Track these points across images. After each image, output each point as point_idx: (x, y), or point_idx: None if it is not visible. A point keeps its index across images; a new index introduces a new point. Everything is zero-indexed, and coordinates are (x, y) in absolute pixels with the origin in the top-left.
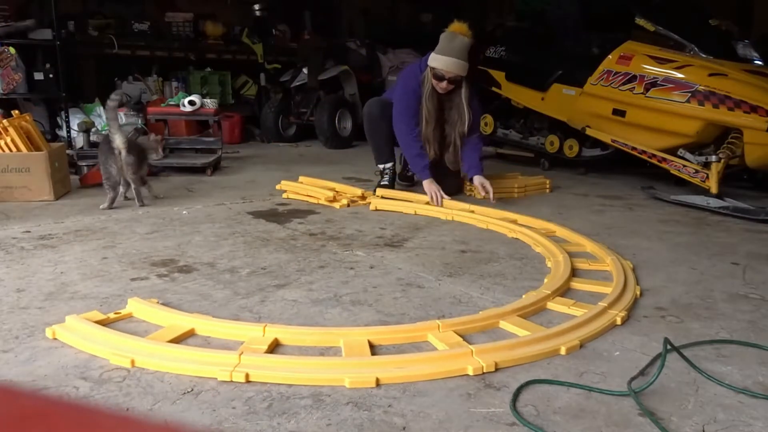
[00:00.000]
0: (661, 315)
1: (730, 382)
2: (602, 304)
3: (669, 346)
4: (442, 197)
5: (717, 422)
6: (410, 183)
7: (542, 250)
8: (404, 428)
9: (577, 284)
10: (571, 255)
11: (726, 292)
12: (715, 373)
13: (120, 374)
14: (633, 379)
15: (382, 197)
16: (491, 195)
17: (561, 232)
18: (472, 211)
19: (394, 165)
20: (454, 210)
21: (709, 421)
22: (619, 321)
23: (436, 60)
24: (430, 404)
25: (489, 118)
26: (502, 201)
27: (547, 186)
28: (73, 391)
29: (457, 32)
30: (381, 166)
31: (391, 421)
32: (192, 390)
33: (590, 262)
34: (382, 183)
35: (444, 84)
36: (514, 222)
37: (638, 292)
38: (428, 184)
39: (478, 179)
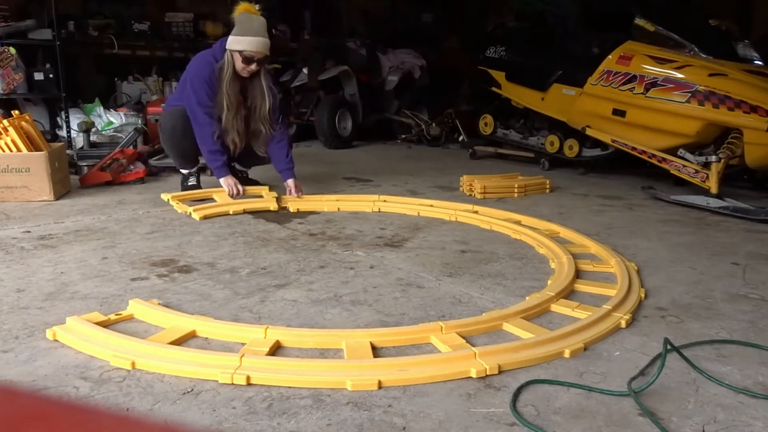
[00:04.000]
0: (661, 315)
1: (730, 382)
2: (606, 306)
3: (669, 346)
4: (239, 191)
5: (717, 422)
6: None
7: (546, 251)
8: (404, 428)
9: (582, 286)
10: (576, 256)
11: (726, 292)
12: (715, 373)
13: (120, 374)
14: (633, 379)
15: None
16: (301, 194)
17: (565, 233)
18: (476, 212)
19: (198, 166)
20: (457, 211)
21: (709, 421)
22: (623, 324)
23: (242, 42)
24: (430, 404)
25: (489, 118)
26: (502, 201)
27: (547, 186)
28: (73, 391)
29: (251, 12)
30: (185, 171)
31: (391, 421)
32: (192, 390)
33: (594, 263)
34: (190, 184)
35: (253, 66)
36: (518, 223)
37: (643, 295)
38: (225, 180)
39: (291, 182)
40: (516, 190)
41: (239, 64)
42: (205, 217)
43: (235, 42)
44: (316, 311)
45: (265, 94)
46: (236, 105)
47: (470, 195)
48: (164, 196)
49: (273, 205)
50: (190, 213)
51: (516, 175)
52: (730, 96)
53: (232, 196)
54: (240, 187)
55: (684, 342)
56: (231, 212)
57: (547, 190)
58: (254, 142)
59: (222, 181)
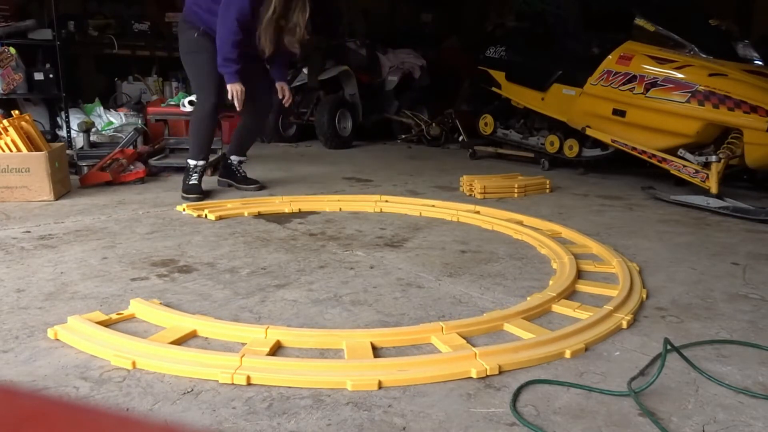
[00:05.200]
0: (661, 315)
1: (730, 382)
2: (608, 307)
3: (669, 346)
4: (242, 100)
5: (717, 422)
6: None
7: (548, 251)
8: (404, 428)
9: (583, 287)
10: (577, 257)
11: (726, 292)
12: (715, 373)
13: (120, 374)
14: (633, 379)
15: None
16: (287, 97)
17: (567, 233)
18: (478, 212)
19: (205, 164)
20: (459, 211)
21: (709, 421)
22: (624, 325)
23: None
24: (430, 404)
25: (489, 118)
26: (502, 201)
27: (547, 186)
28: (73, 391)
29: None
30: (193, 163)
31: (391, 422)
32: (192, 390)
33: (596, 264)
34: (191, 182)
35: None
36: (520, 223)
37: (644, 295)
38: (233, 86)
39: (281, 84)
40: (516, 190)
41: None
42: (221, 218)
43: None
44: (316, 311)
45: (306, 4)
46: (281, 9)
47: (470, 195)
48: (179, 208)
49: (288, 208)
50: (206, 215)
51: (516, 175)
52: (730, 96)
53: (233, 101)
54: (243, 96)
55: (684, 342)
56: (246, 214)
57: (547, 190)
58: (285, 44)
59: (229, 86)
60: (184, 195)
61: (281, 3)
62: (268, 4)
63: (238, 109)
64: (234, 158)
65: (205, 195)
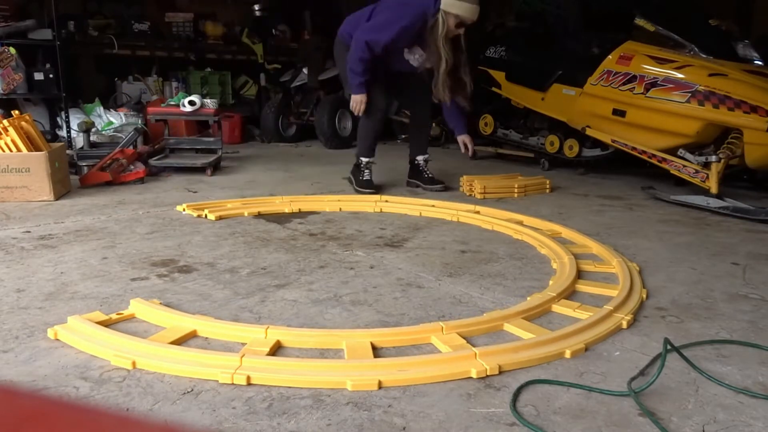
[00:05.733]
0: (661, 315)
1: (730, 382)
2: (608, 307)
3: (669, 346)
4: (361, 111)
5: (717, 422)
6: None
7: (548, 251)
8: (404, 428)
9: (583, 287)
10: (577, 257)
11: (726, 292)
12: (715, 373)
13: (120, 374)
14: (633, 379)
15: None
16: (470, 150)
17: (567, 233)
18: (477, 212)
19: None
20: (459, 211)
21: (709, 421)
22: (624, 325)
23: (461, 8)
24: (430, 404)
25: (489, 118)
26: (502, 201)
27: (547, 186)
28: (73, 391)
29: None
30: (365, 160)
31: (391, 422)
32: (192, 390)
33: (596, 264)
34: (365, 178)
35: (462, 30)
36: (520, 223)
37: (644, 295)
38: (356, 96)
39: (463, 137)
40: (516, 190)
41: (451, 26)
42: (221, 218)
43: (453, 6)
44: (316, 311)
45: (462, 49)
46: (452, 61)
47: (470, 195)
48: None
49: (288, 208)
50: (206, 215)
51: (516, 175)
52: (730, 96)
53: (354, 111)
54: (364, 107)
55: (684, 342)
56: (246, 214)
57: (547, 190)
58: (457, 94)
59: (354, 96)
60: (359, 189)
61: (449, 45)
62: (434, 45)
63: (357, 115)
64: (420, 158)
65: (377, 189)
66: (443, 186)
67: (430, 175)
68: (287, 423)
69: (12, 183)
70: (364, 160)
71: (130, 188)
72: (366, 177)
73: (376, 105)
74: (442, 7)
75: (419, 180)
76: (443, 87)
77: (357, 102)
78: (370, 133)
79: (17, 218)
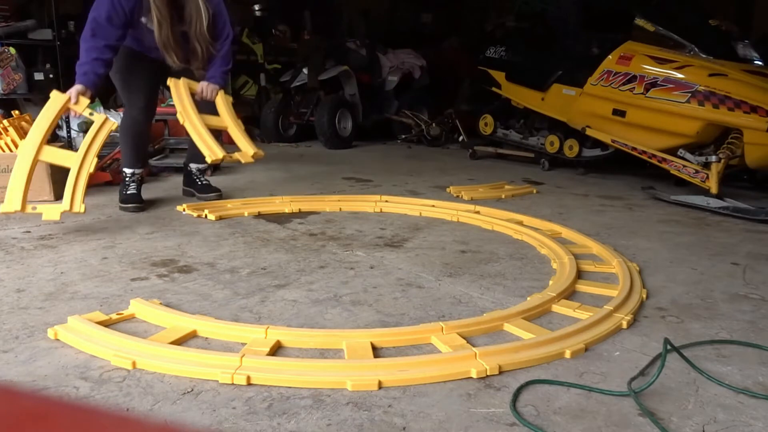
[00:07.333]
0: (661, 315)
1: (730, 382)
2: (608, 307)
3: (669, 346)
4: (75, 102)
5: (717, 422)
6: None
7: (548, 251)
8: (404, 428)
9: (583, 287)
10: (577, 257)
11: (726, 292)
12: (715, 373)
13: (120, 374)
14: (633, 379)
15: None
16: (208, 94)
17: (567, 233)
18: (478, 212)
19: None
20: (459, 211)
21: (709, 421)
22: (624, 325)
23: None
24: (430, 404)
25: (489, 118)
26: (501, 201)
27: (534, 193)
28: (73, 391)
29: None
30: (130, 171)
31: (391, 422)
32: (192, 390)
33: (596, 264)
34: (128, 192)
35: None
36: (520, 223)
37: (644, 295)
38: (74, 88)
39: (203, 83)
40: (504, 194)
41: None
42: (221, 218)
43: None
44: (316, 311)
45: (200, 9)
46: (168, 19)
47: (458, 196)
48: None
49: (288, 208)
50: (206, 215)
51: (502, 184)
52: (730, 96)
53: (69, 105)
54: (75, 99)
55: (684, 342)
56: (246, 214)
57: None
58: (193, 63)
59: (73, 88)
60: (121, 206)
61: (162, 4)
62: (148, 3)
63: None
64: (192, 166)
65: (143, 206)
66: (218, 195)
67: (205, 182)
68: (287, 423)
69: None
70: (127, 171)
71: None
72: (131, 191)
73: (132, 102)
74: None
75: (193, 188)
76: (166, 49)
77: (70, 94)
78: (127, 139)
79: (17, 218)
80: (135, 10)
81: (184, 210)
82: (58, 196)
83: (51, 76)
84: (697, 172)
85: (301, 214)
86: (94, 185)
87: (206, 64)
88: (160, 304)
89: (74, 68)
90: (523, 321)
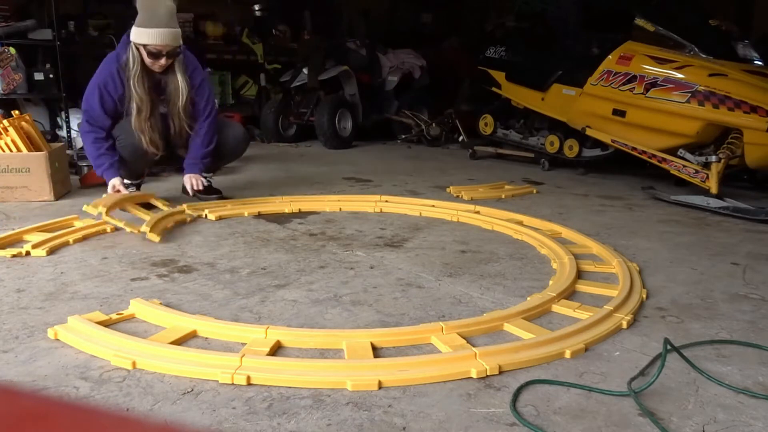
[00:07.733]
0: (661, 315)
1: (730, 382)
2: (608, 307)
3: (669, 346)
4: (119, 190)
5: (717, 422)
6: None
7: (548, 251)
8: (404, 428)
9: (583, 287)
10: (577, 257)
11: (726, 292)
12: (715, 373)
13: (120, 374)
14: (633, 379)
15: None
16: (197, 186)
17: (567, 233)
18: (478, 212)
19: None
20: (459, 211)
21: (709, 421)
22: (624, 325)
23: (144, 35)
24: (430, 404)
25: (489, 118)
26: (501, 201)
27: (534, 193)
28: (73, 391)
29: None
30: (128, 182)
31: (391, 422)
32: (192, 390)
33: (596, 264)
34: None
35: (162, 61)
36: (520, 223)
37: (644, 295)
38: (111, 182)
39: (188, 176)
40: (503, 194)
41: (147, 59)
42: (221, 218)
43: (137, 34)
44: (316, 311)
45: (179, 89)
46: (148, 104)
47: (457, 196)
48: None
49: (288, 208)
50: (206, 215)
51: (502, 184)
52: (730, 96)
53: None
54: (121, 189)
55: (684, 342)
56: (246, 214)
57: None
58: (177, 144)
59: (110, 184)
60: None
61: (142, 89)
62: (128, 91)
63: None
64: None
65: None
66: (220, 196)
67: (206, 184)
68: (287, 423)
69: (12, 183)
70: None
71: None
72: (131, 191)
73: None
74: (131, 39)
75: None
76: (145, 133)
77: (112, 188)
78: (125, 159)
79: (17, 218)
80: (123, 98)
81: (184, 210)
82: (59, 196)
83: (51, 76)
84: (697, 172)
85: (301, 214)
86: (93, 185)
87: (184, 141)
88: (160, 304)
89: (74, 68)
90: (523, 321)
